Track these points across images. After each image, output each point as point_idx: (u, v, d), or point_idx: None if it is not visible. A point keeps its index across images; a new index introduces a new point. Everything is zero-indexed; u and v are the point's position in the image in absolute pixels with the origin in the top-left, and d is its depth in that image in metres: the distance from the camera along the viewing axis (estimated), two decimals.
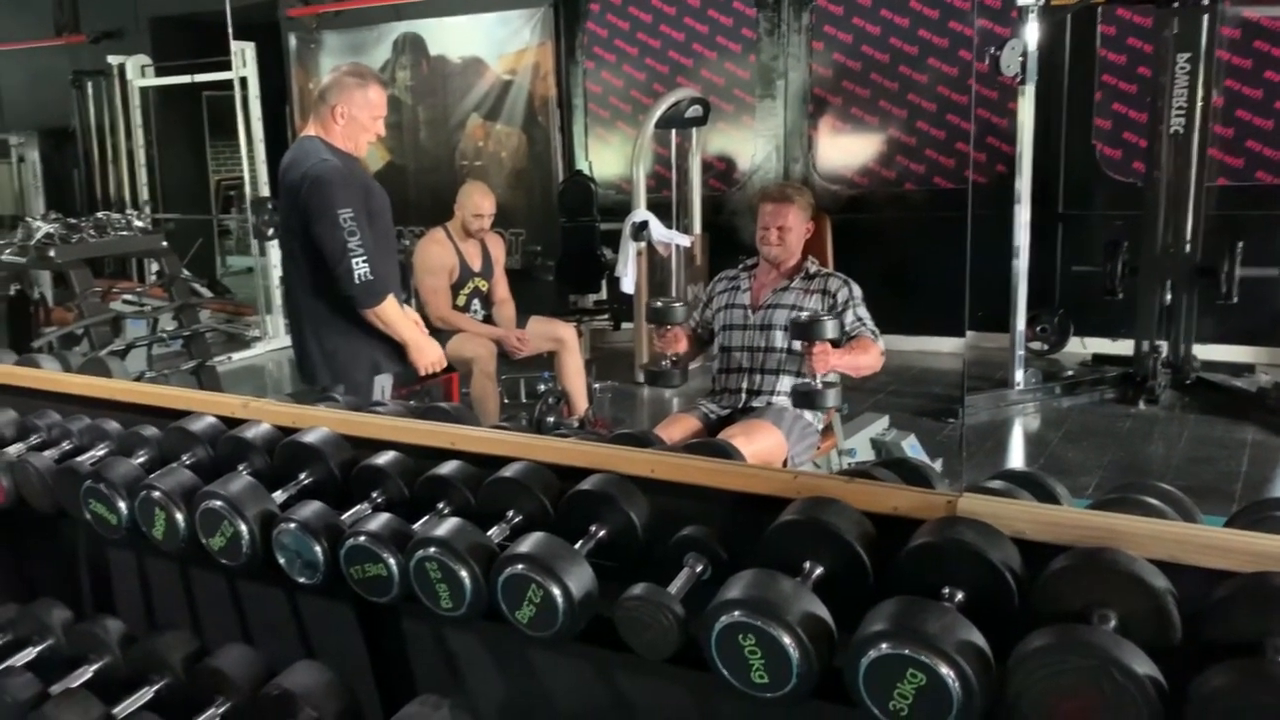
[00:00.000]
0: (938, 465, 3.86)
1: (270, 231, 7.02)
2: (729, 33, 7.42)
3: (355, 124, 3.07)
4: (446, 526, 1.26)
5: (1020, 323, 5.72)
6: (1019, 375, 5.70)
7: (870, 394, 5.59)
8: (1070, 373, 6.06)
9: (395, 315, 3.12)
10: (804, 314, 3.18)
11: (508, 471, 1.37)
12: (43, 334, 5.38)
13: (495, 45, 8.06)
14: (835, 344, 2.99)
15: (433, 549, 1.24)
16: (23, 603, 1.74)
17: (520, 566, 1.17)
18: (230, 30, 7.27)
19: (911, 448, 3.81)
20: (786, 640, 1.00)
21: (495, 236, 4.98)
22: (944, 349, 6.84)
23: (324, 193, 2.94)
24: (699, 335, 3.49)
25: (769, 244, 3.33)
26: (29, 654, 1.62)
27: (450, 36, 8.25)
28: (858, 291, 3.29)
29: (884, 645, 0.96)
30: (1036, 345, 6.38)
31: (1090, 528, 1.06)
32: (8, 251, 5.28)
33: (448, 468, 1.44)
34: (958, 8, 6.67)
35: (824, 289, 3.30)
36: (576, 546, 1.23)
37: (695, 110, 6.57)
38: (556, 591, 1.15)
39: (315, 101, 3.13)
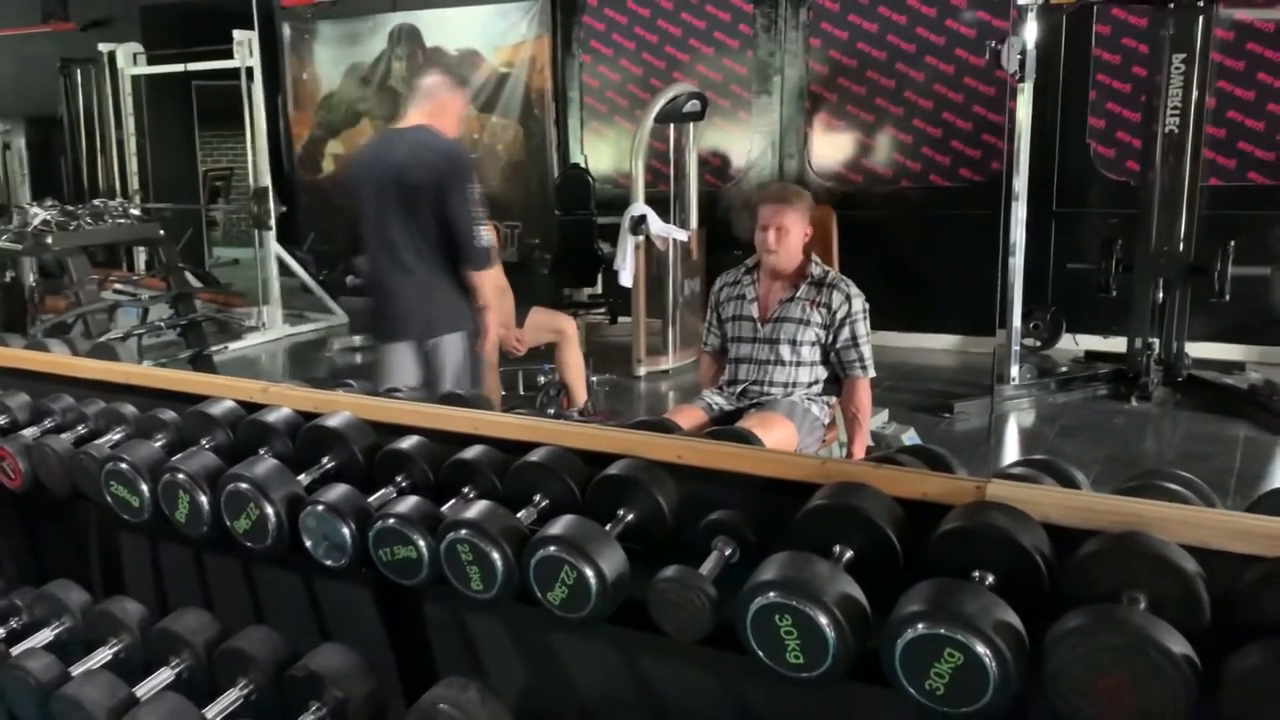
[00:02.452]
0: None
1: (271, 221, 7.00)
2: (726, 28, 7.42)
3: (454, 117, 3.53)
4: (478, 509, 1.27)
5: (1017, 319, 5.75)
6: (1014, 371, 5.73)
7: None
8: (1064, 369, 6.10)
9: (495, 281, 3.65)
10: (809, 329, 3.26)
11: (535, 456, 1.38)
12: (40, 321, 5.35)
13: (492, 38, 8.05)
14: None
15: (464, 531, 1.24)
16: (36, 586, 1.74)
17: (553, 548, 1.18)
18: (255, 19, 7.27)
19: (910, 440, 3.83)
20: (823, 620, 1.02)
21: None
22: (938, 346, 6.89)
23: (463, 167, 3.42)
24: (724, 349, 3.49)
25: (767, 248, 3.27)
26: (47, 635, 1.63)
27: (447, 28, 8.24)
28: (858, 306, 3.25)
29: (921, 625, 0.97)
30: (1029, 341, 6.42)
31: (1119, 513, 1.08)
32: (3, 238, 5.24)
33: (473, 452, 1.44)
34: (954, 5, 6.70)
35: (828, 303, 3.26)
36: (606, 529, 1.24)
37: (693, 105, 6.58)
38: (590, 573, 1.16)
39: (421, 97, 3.54)
